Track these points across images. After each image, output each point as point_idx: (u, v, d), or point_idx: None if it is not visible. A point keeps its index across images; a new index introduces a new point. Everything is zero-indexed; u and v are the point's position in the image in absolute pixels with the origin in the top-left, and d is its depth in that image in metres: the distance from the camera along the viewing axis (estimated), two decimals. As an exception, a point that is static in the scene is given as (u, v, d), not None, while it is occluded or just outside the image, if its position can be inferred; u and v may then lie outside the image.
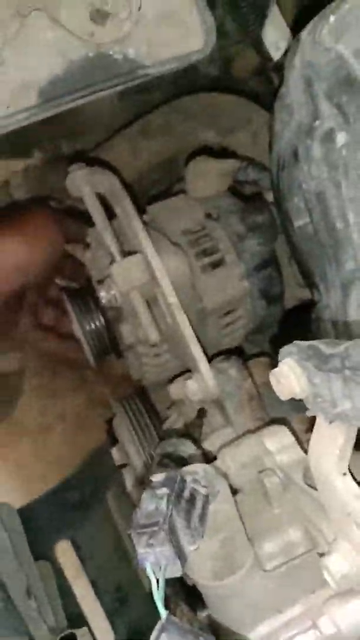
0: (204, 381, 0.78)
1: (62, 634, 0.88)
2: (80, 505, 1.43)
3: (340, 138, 0.54)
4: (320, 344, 0.45)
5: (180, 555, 0.43)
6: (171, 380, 0.89)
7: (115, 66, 0.59)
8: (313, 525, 0.60)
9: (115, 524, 1.38)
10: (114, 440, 0.98)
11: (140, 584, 1.33)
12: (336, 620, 0.51)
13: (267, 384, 0.86)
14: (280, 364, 0.47)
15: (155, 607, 0.42)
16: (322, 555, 0.53)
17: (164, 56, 0.59)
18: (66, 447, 1.46)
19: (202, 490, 0.48)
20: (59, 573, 1.30)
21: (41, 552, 1.15)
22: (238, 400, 0.80)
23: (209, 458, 0.74)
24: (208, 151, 1.05)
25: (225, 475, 0.64)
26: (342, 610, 0.51)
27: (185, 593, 0.60)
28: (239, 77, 1.09)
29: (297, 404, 0.48)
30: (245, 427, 0.78)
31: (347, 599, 0.52)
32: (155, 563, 0.42)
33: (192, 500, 0.46)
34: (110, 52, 0.59)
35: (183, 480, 0.47)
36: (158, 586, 0.42)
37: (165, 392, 0.94)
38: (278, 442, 0.68)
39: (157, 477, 0.47)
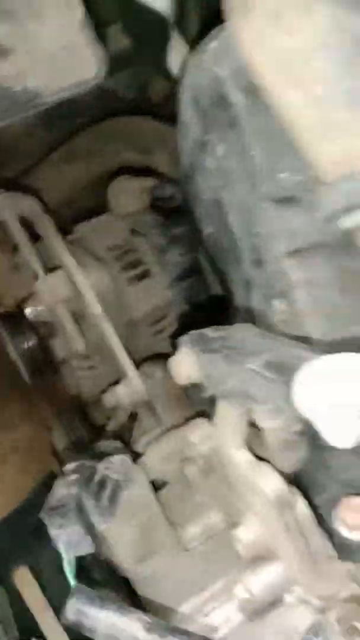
0: (132, 385, 0.83)
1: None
2: (37, 531, 1.42)
3: (220, 150, 0.60)
4: (207, 331, 0.50)
5: (91, 533, 0.47)
6: (104, 390, 0.93)
7: (15, 98, 0.64)
8: (232, 507, 0.64)
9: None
10: (55, 453, 1.00)
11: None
12: (249, 586, 0.55)
13: (194, 385, 0.91)
14: (177, 353, 0.52)
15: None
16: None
17: (60, 85, 0.65)
18: (21, 476, 1.46)
19: (114, 476, 0.52)
20: (19, 600, 1.29)
21: (-1, 579, 1.15)
22: (166, 400, 0.85)
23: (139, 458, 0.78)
24: (129, 171, 1.12)
25: (151, 469, 0.68)
26: (253, 576, 0.55)
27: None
28: (155, 100, 1.16)
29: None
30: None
31: (257, 565, 0.56)
32: (67, 541, 0.46)
33: (102, 483, 0.50)
34: (10, 85, 0.64)
35: (93, 467, 0.51)
36: (69, 562, 0.45)
37: (103, 407, 0.97)
38: (200, 433, 0.72)
39: (69, 466, 0.51)
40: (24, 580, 1.38)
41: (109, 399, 0.89)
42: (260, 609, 0.56)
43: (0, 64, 0.65)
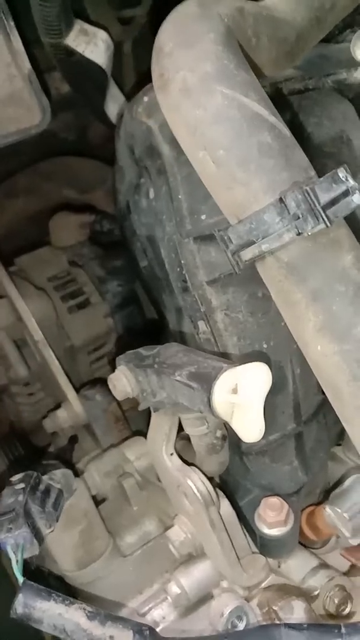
0: (72, 408, 0.87)
1: None
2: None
3: (150, 193, 0.67)
4: (141, 349, 0.57)
5: (37, 536, 0.51)
6: (45, 416, 0.97)
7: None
8: (165, 514, 0.70)
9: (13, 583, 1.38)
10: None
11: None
12: (181, 583, 0.60)
13: (133, 408, 0.97)
14: (115, 371, 0.58)
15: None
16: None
17: (8, 130, 0.71)
18: None
19: (57, 485, 0.57)
20: None
21: None
22: (105, 422, 0.90)
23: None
24: (70, 207, 1.18)
25: (91, 485, 0.72)
26: (185, 574, 0.61)
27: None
28: (93, 142, 1.24)
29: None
30: (112, 445, 0.87)
31: (189, 563, 0.61)
32: (15, 544, 0.50)
33: (47, 491, 0.55)
34: None
35: (38, 477, 0.55)
36: (17, 563, 0.49)
37: (44, 433, 1.01)
38: (136, 450, 0.78)
39: (16, 477, 0.55)
40: None
41: (49, 423, 0.93)
42: (192, 605, 0.62)
43: None
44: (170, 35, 0.49)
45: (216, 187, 0.48)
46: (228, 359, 0.56)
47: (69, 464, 0.86)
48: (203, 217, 0.58)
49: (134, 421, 0.97)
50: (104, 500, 0.75)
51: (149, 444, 0.60)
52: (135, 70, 1.17)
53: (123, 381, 0.57)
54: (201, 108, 0.47)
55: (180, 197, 0.59)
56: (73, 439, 0.93)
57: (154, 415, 0.59)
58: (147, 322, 1.12)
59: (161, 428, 0.58)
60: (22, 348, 0.92)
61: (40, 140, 0.82)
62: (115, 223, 1.09)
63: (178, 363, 0.51)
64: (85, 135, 1.23)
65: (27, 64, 0.71)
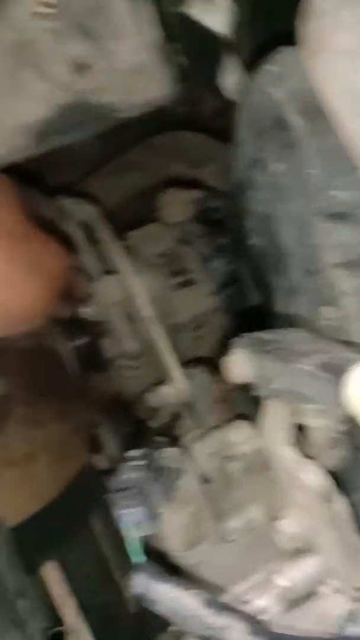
0: (177, 385, 0.87)
1: (53, 630, 0.93)
2: (66, 528, 1.48)
3: (275, 167, 0.64)
4: (261, 334, 0.54)
5: (153, 514, 0.51)
6: (146, 390, 0.98)
7: (93, 110, 0.70)
8: (272, 503, 0.68)
9: (100, 547, 1.44)
10: (97, 448, 1.05)
11: (126, 605, 1.38)
12: (289, 576, 0.58)
13: (235, 388, 0.95)
14: (230, 353, 0.56)
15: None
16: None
17: (135, 101, 0.70)
18: (50, 475, 1.51)
19: (171, 464, 0.57)
20: (45, 594, 1.34)
21: (28, 573, 1.20)
22: (207, 402, 0.89)
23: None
24: (178, 183, 1.17)
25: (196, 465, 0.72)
26: (293, 568, 0.59)
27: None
28: (205, 116, 1.22)
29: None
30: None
31: (297, 557, 0.60)
32: (132, 521, 0.50)
33: (161, 470, 0.55)
34: (90, 99, 0.70)
35: (154, 455, 0.55)
36: (135, 541, 0.50)
37: (144, 406, 1.02)
38: (241, 434, 0.76)
39: (132, 452, 0.56)
40: (51, 575, 1.43)
41: (153, 398, 0.94)
42: (298, 600, 0.60)
43: (77, 79, 0.71)
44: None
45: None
46: (356, 348, 0.53)
47: (172, 441, 0.87)
48: (337, 193, 0.54)
49: (236, 403, 0.95)
50: (206, 482, 0.74)
51: (264, 432, 0.58)
52: (252, 40, 1.12)
53: (239, 365, 0.55)
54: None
55: (312, 171, 0.55)
56: (175, 416, 0.93)
57: (270, 403, 0.57)
58: (250, 304, 1.09)
59: (278, 417, 0.56)
60: (132, 323, 0.93)
61: (151, 114, 0.81)
62: (223, 200, 1.07)
63: (305, 350, 0.49)
64: (195, 109, 1.21)
65: (156, 33, 0.70)
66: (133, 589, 0.46)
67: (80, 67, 0.71)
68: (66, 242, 1.00)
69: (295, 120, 0.59)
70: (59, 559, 1.41)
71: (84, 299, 0.92)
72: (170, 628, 1.03)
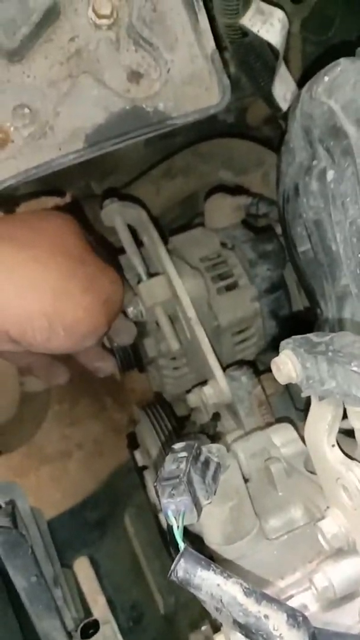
0: (219, 386, 0.89)
1: (86, 621, 0.96)
2: (98, 525, 1.50)
3: (330, 175, 0.65)
4: (311, 335, 0.55)
5: (197, 505, 0.53)
6: (189, 390, 1.00)
7: (147, 117, 0.72)
8: (312, 504, 0.69)
9: (132, 544, 1.46)
10: (135, 445, 1.07)
11: (155, 605, 1.39)
12: (329, 576, 0.59)
13: (276, 394, 0.96)
14: (280, 354, 0.58)
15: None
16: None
17: (187, 109, 0.72)
18: (83, 473, 1.55)
19: (215, 459, 0.58)
20: (78, 588, 1.37)
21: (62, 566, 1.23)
22: (249, 404, 0.90)
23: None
24: (224, 189, 1.19)
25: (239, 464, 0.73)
26: (334, 567, 0.59)
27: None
28: (252, 124, 1.24)
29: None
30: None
31: (338, 558, 0.60)
32: (176, 510, 0.52)
33: (207, 463, 0.56)
34: (144, 106, 0.72)
35: (199, 448, 0.57)
36: (178, 529, 0.51)
37: (183, 405, 1.04)
38: (283, 437, 0.78)
39: (178, 445, 0.57)
40: (83, 569, 1.45)
41: (194, 398, 0.96)
42: (337, 601, 0.61)
43: (134, 86, 0.74)
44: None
45: None
46: None
47: (212, 440, 0.88)
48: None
49: (275, 407, 0.96)
50: (247, 481, 0.75)
51: (308, 432, 0.59)
52: (302, 52, 1.14)
53: (289, 365, 0.56)
54: None
55: (367, 179, 0.57)
56: (216, 417, 0.94)
57: (315, 404, 0.58)
58: (292, 311, 1.10)
59: (324, 418, 0.57)
60: (174, 324, 0.95)
61: (199, 121, 0.83)
62: (271, 206, 1.08)
63: (356, 353, 0.50)
64: (243, 117, 1.23)
65: (211, 44, 0.72)
66: (177, 573, 0.47)
67: (136, 76, 0.74)
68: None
69: (351, 129, 0.61)
70: (90, 555, 1.44)
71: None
72: (203, 628, 1.04)
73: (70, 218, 0.82)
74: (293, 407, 0.94)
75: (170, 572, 0.48)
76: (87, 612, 1.31)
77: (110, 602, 1.40)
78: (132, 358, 1.03)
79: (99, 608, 1.39)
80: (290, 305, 1.09)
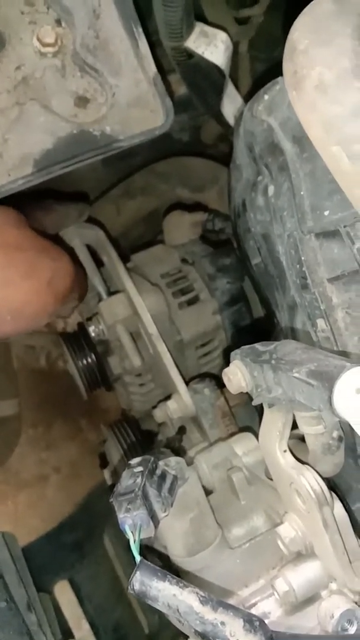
0: (182, 400, 0.90)
1: (61, 643, 0.94)
2: (77, 547, 1.49)
3: (270, 190, 0.68)
4: (258, 345, 0.57)
5: (153, 518, 0.54)
6: (155, 406, 1.01)
7: (94, 141, 0.74)
8: (273, 511, 0.70)
9: (112, 565, 1.45)
10: (105, 463, 1.08)
11: (139, 625, 1.38)
12: (289, 580, 0.60)
13: (241, 404, 0.98)
14: (230, 364, 0.59)
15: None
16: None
17: (134, 131, 0.74)
18: (61, 496, 1.53)
19: (172, 471, 0.59)
20: (57, 612, 1.35)
21: (40, 590, 1.21)
22: (212, 416, 0.92)
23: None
24: (182, 206, 1.21)
25: (199, 477, 0.74)
26: (294, 572, 0.60)
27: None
28: (207, 142, 1.27)
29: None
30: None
31: (298, 562, 0.61)
32: (133, 524, 0.52)
33: (163, 477, 0.57)
34: (91, 130, 0.74)
35: (155, 462, 0.58)
36: (135, 542, 0.52)
37: (153, 420, 1.05)
38: (244, 446, 0.79)
39: (134, 460, 0.58)
40: (64, 593, 1.43)
41: (159, 413, 0.97)
42: (299, 605, 0.62)
43: (81, 111, 0.75)
44: (304, 32, 0.49)
45: (349, 183, 0.48)
46: (346, 357, 0.55)
47: (177, 454, 0.89)
48: (326, 213, 0.57)
49: (240, 418, 0.98)
50: (211, 492, 0.76)
51: (262, 439, 0.61)
52: (251, 70, 1.17)
53: (238, 375, 0.58)
54: (338, 104, 0.47)
55: (302, 193, 0.59)
56: (181, 430, 0.95)
57: (267, 411, 0.60)
58: (253, 320, 1.12)
59: (275, 424, 0.58)
60: (137, 340, 0.97)
61: (156, 141, 0.85)
62: (226, 222, 1.11)
63: (297, 360, 0.51)
64: (198, 135, 1.26)
65: (152, 68, 0.75)
66: (134, 586, 0.48)
67: (83, 101, 0.76)
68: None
69: (287, 146, 0.63)
70: (70, 578, 1.42)
71: (88, 318, 0.96)
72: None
73: (6, 208, 0.83)
74: (258, 416, 0.96)
75: (127, 585, 0.49)
76: (70, 635, 1.29)
77: (92, 625, 1.39)
78: (98, 376, 1.04)
79: (82, 631, 1.37)
80: (252, 316, 1.11)
